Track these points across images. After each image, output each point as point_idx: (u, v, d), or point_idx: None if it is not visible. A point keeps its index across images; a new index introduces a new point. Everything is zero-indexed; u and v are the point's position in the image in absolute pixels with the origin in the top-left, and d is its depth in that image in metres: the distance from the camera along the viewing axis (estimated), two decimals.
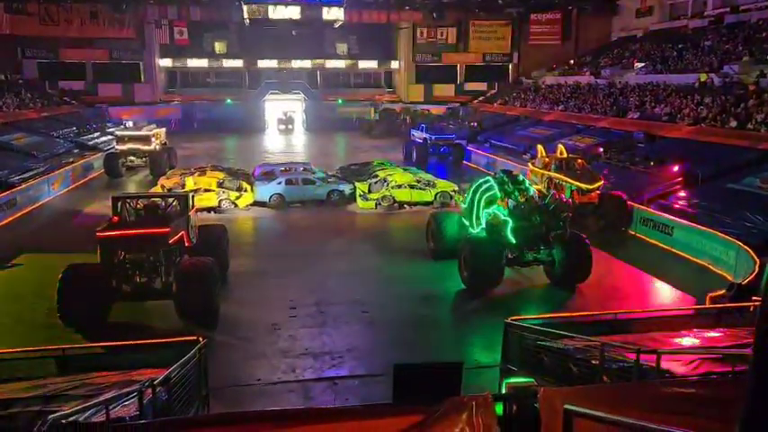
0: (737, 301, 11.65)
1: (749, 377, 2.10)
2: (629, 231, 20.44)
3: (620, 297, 15.06)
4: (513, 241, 15.23)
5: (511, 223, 15.26)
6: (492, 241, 15.48)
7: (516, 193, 15.75)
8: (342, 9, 47.40)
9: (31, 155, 30.95)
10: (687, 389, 4.25)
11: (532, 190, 16.30)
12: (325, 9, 47.40)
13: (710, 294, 13.10)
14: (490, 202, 16.16)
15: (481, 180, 17.17)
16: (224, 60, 55.21)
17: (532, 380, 3.91)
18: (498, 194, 15.94)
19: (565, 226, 15.45)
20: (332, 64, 56.90)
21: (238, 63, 55.17)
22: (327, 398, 10.36)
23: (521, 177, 16.79)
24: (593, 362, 7.54)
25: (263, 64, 55.03)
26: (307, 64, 55.84)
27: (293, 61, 54.91)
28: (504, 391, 3.78)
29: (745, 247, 15.43)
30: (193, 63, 55.02)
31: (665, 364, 6.79)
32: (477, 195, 16.63)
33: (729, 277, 15.24)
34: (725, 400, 3.27)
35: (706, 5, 41.18)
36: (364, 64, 57.65)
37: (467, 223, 17.19)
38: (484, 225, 16.20)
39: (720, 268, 16.30)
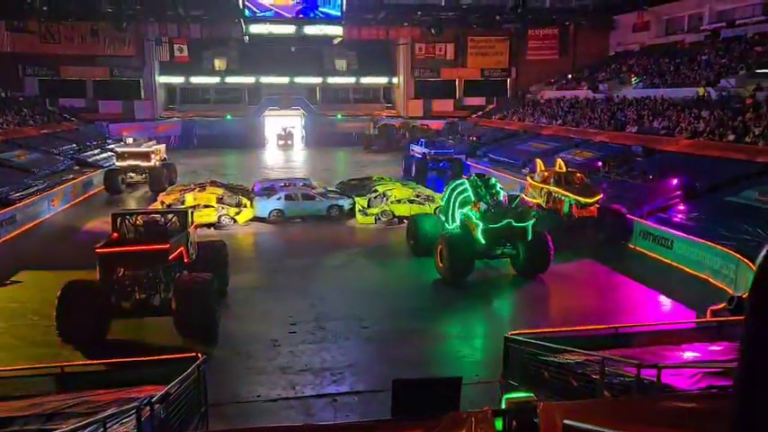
0: (738, 314, 11.62)
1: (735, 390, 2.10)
2: (629, 245, 20.44)
3: (620, 311, 15.03)
4: (483, 242, 17.03)
5: (481, 226, 16.96)
6: (465, 238, 17.29)
7: (488, 197, 17.60)
8: (341, 26, 47.75)
9: (32, 172, 31.00)
10: (688, 403, 4.23)
11: (502, 194, 18.07)
12: (323, 26, 47.76)
13: (711, 308, 13.08)
14: (464, 204, 17.90)
15: (457, 182, 19.08)
16: (227, 77, 55.39)
17: (532, 395, 3.89)
18: (472, 197, 17.70)
19: (529, 227, 17.09)
20: (333, 80, 57.18)
21: (243, 79, 55.39)
22: (328, 414, 10.29)
23: (492, 181, 18.67)
24: (594, 376, 7.51)
25: (263, 80, 55.32)
26: (307, 80, 56.12)
27: (293, 78, 55.17)
28: (503, 407, 3.77)
29: (745, 259, 15.43)
30: (196, 80, 55.26)
31: (666, 379, 6.77)
32: (453, 196, 18.55)
33: (729, 290, 15.23)
34: (726, 414, 3.26)
35: (702, 20, 41.49)
36: (364, 80, 57.94)
37: (443, 219, 19.14)
38: (458, 223, 18.05)
39: (720, 281, 16.29)
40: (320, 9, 46.64)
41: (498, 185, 18.46)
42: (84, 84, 52.33)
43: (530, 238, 17.05)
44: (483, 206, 17.22)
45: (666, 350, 8.57)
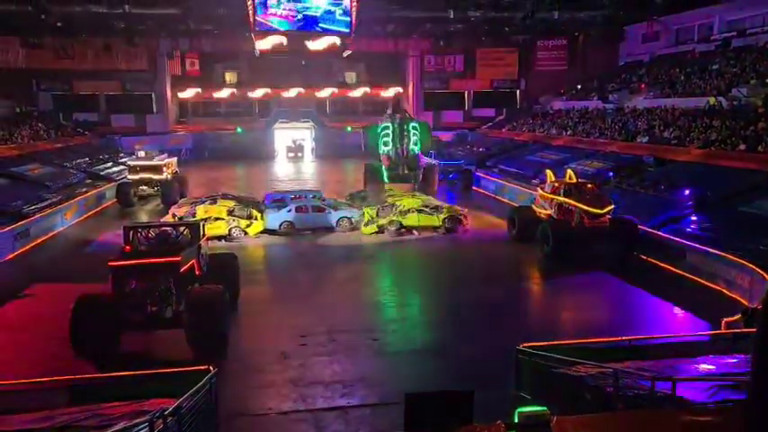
0: (753, 325, 11.49)
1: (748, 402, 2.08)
2: (641, 256, 20.28)
3: (633, 323, 14.90)
4: (387, 181, 28.66)
5: (386, 174, 28.83)
6: (379, 170, 29.11)
7: (398, 146, 28.94)
8: (350, 39, 47.93)
9: (45, 185, 31.34)
10: (704, 417, 4.19)
11: (413, 140, 29.27)
12: (335, 39, 47.88)
13: (725, 319, 12.94)
14: (386, 144, 29.22)
15: (386, 125, 29.78)
16: (238, 90, 55.82)
17: (545, 408, 3.86)
18: (390, 143, 29.05)
19: (417, 172, 29.23)
20: (343, 92, 57.47)
21: (253, 92, 55.80)
22: (339, 427, 10.25)
23: (410, 127, 29.49)
24: (608, 389, 7.44)
25: (274, 93, 55.74)
26: (317, 92, 56.43)
27: (303, 90, 55.51)
28: (516, 420, 3.74)
29: (760, 270, 15.26)
30: (207, 93, 55.75)
31: (680, 392, 6.69)
32: (381, 135, 29.58)
33: (744, 301, 15.06)
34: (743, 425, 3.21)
35: (712, 30, 41.36)
36: (374, 91, 58.20)
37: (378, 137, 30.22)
38: (381, 154, 29.59)
39: (735, 292, 16.11)
40: (320, 25, 46.69)
41: (413, 133, 29.30)
42: (98, 98, 53.06)
43: (419, 179, 29.14)
44: (391, 156, 28.82)
45: (681, 363, 8.48)
